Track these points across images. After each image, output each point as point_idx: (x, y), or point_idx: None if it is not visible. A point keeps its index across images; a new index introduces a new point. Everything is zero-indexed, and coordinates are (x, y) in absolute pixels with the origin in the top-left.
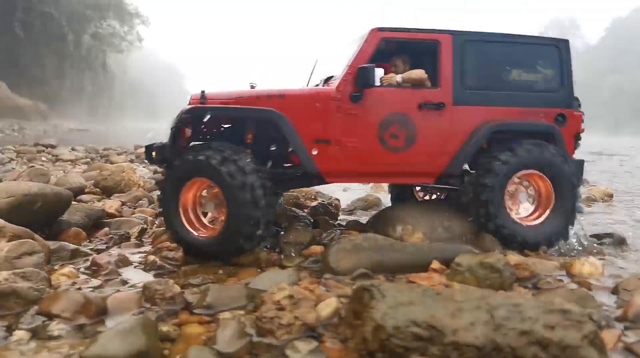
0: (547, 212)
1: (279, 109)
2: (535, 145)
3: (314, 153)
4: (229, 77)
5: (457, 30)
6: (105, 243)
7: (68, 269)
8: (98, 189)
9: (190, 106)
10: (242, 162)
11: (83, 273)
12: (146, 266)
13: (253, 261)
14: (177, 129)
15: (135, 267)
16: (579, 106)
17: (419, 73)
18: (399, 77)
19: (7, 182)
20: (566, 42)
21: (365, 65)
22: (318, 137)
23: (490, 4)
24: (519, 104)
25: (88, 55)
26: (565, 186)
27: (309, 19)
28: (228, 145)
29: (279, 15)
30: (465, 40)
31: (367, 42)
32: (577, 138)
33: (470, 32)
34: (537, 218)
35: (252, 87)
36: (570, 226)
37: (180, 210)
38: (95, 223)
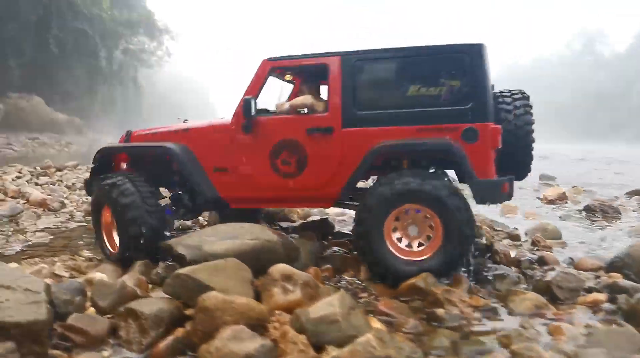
0: (436, 248)
1: (186, 142)
2: (416, 176)
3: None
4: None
5: (346, 51)
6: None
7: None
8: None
9: (101, 147)
10: (125, 186)
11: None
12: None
13: None
14: (95, 167)
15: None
16: (525, 114)
17: (302, 99)
18: (287, 105)
19: (250, 224)
20: (478, 47)
21: (245, 97)
22: (217, 166)
23: (514, 14)
24: (419, 121)
25: (119, 70)
26: (451, 222)
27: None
28: (125, 175)
29: (303, 24)
30: (355, 60)
31: (258, 73)
32: (526, 153)
33: (361, 51)
34: (427, 253)
35: (185, 121)
36: (459, 267)
37: (103, 230)
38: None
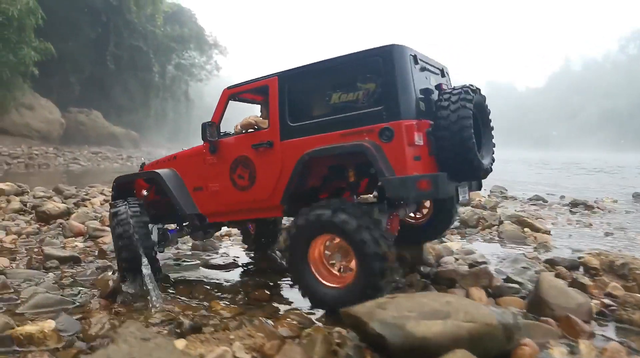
0: (352, 277)
1: (174, 167)
2: (330, 206)
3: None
4: None
5: (282, 71)
6: None
7: None
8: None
9: (116, 176)
10: (120, 209)
11: None
12: None
13: None
14: (115, 193)
15: None
16: (460, 108)
17: (247, 119)
18: (239, 126)
19: (460, 298)
20: (390, 49)
21: (203, 122)
22: (195, 185)
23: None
24: (341, 127)
25: (171, 84)
26: (361, 254)
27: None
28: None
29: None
30: (287, 78)
31: (220, 101)
32: (464, 149)
33: (293, 69)
34: (346, 281)
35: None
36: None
37: None
38: None
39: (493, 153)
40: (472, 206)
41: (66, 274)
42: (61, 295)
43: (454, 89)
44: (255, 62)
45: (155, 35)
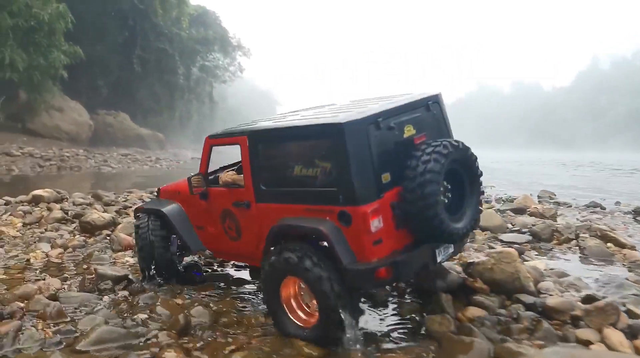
0: (316, 317)
1: (180, 203)
2: (291, 249)
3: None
4: (320, 97)
5: (253, 130)
6: None
7: None
8: (484, 286)
9: (135, 207)
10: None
11: None
12: None
13: None
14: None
15: None
16: (426, 184)
17: (225, 177)
18: (221, 182)
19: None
20: (340, 128)
21: (189, 176)
22: (198, 224)
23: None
24: (306, 201)
25: (196, 86)
26: (318, 294)
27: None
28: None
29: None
30: (257, 138)
31: (204, 150)
32: (430, 226)
33: (262, 129)
34: (313, 321)
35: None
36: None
37: None
38: None
39: (480, 205)
40: (530, 215)
41: (122, 297)
42: (124, 326)
43: (423, 152)
44: (278, 63)
45: (181, 38)
